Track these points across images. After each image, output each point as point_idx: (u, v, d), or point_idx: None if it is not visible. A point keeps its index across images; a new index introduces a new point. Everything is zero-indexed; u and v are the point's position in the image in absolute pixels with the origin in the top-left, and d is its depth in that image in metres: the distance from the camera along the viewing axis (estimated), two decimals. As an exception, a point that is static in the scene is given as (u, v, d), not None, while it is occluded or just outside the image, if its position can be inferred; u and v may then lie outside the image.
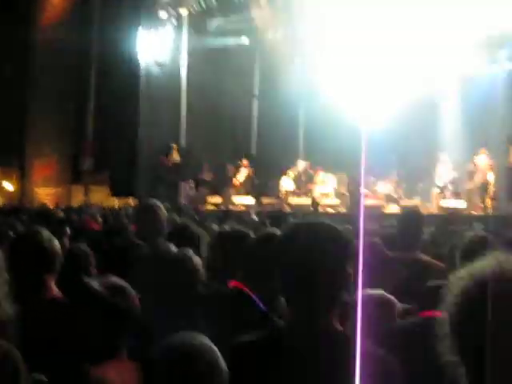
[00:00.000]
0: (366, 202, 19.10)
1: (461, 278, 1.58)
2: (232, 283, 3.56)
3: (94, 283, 2.71)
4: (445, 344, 1.60)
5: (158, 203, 5.48)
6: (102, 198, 20.31)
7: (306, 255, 2.14)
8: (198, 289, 3.47)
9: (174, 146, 21.67)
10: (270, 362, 2.16)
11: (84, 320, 2.67)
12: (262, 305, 3.41)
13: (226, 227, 4.99)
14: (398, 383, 2.13)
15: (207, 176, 22.07)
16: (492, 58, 20.20)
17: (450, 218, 7.69)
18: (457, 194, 19.14)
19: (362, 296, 3.70)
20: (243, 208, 19.02)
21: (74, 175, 21.67)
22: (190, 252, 3.62)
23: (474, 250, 4.66)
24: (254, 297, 3.42)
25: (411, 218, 5.66)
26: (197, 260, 3.56)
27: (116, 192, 20.42)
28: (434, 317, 3.46)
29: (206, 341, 2.09)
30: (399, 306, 3.77)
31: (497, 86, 19.72)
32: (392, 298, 3.80)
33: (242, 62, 23.26)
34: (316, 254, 2.15)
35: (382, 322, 3.55)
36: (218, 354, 2.07)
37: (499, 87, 19.62)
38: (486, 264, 1.56)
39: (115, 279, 2.81)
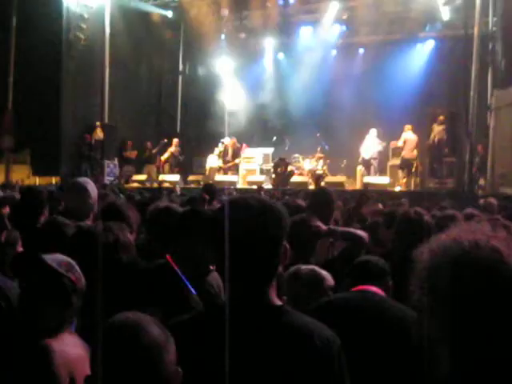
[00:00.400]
0: (292, 178, 19.28)
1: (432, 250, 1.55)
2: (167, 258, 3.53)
3: (47, 257, 2.66)
4: (422, 320, 1.53)
5: (88, 180, 5.36)
6: (22, 176, 19.75)
7: (241, 229, 2.11)
8: (121, 262, 3.46)
9: (98, 123, 21.27)
10: (208, 339, 2.13)
11: (36, 292, 2.63)
12: (186, 280, 3.39)
13: (159, 204, 4.90)
14: (333, 356, 2.12)
15: (131, 154, 21.81)
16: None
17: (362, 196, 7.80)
18: (380, 171, 19.53)
19: (294, 270, 3.76)
20: (168, 185, 18.85)
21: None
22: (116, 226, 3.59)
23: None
24: (179, 272, 3.39)
25: (321, 197, 5.76)
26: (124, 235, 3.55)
27: (37, 171, 19.88)
28: (365, 290, 3.55)
29: (149, 318, 2.06)
30: (331, 280, 3.81)
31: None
32: (323, 272, 3.83)
33: (166, 37, 23.03)
34: (251, 228, 2.12)
35: (313, 296, 3.59)
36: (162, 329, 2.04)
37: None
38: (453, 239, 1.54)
39: (62, 256, 2.75)
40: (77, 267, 2.72)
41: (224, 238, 2.14)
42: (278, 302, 2.21)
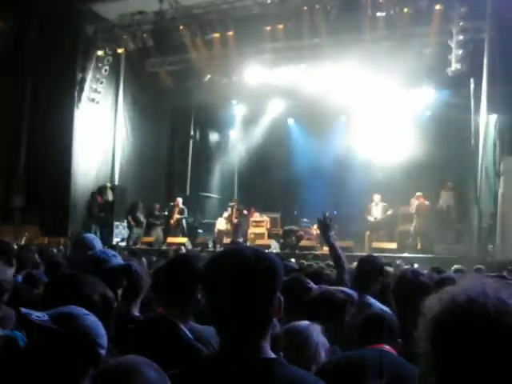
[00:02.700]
0: (301, 243, 19.26)
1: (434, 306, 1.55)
2: (160, 310, 3.54)
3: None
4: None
5: (93, 237, 5.37)
6: (31, 236, 19.73)
7: (233, 278, 2.08)
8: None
9: (108, 184, 21.46)
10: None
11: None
12: (187, 332, 3.39)
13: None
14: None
15: (141, 215, 21.89)
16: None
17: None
18: (389, 236, 19.49)
19: (288, 328, 3.73)
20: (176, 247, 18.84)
21: (4, 214, 21.02)
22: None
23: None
24: (179, 324, 3.40)
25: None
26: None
27: (46, 231, 19.91)
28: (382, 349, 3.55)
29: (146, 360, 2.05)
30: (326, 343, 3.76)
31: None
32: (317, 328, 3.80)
33: (180, 103, 23.35)
34: (243, 278, 2.08)
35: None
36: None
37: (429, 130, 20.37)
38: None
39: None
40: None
41: (215, 288, 2.14)
42: (272, 355, 2.16)
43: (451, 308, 1.46)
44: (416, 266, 11.13)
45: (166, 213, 21.89)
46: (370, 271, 5.56)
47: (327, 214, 5.99)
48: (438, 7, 17.96)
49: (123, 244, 19.82)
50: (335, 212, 20.48)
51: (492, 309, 1.41)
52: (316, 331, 3.65)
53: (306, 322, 3.68)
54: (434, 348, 1.47)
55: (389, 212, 19.32)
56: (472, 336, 1.40)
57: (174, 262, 3.74)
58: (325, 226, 6.08)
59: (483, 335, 1.39)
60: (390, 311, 4.42)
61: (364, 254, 17.53)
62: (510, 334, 1.38)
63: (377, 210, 19.46)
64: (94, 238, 5.29)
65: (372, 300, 5.19)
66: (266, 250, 2.40)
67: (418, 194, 18.95)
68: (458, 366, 1.41)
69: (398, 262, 11.61)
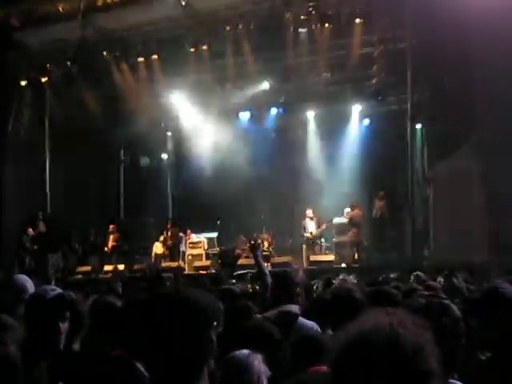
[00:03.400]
0: (239, 261, 19.18)
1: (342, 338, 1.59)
2: (117, 352, 3.48)
3: None
4: None
5: (27, 279, 5.19)
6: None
7: (162, 326, 2.09)
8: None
9: (40, 214, 20.97)
10: None
11: None
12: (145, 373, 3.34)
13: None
14: None
15: (75, 244, 21.48)
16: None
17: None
18: (326, 248, 19.63)
19: (227, 359, 3.68)
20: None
21: None
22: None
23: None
24: (137, 365, 3.34)
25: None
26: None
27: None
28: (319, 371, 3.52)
29: None
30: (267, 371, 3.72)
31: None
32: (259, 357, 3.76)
33: (108, 128, 23.08)
34: (165, 325, 2.10)
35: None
36: None
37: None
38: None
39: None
40: None
41: (147, 334, 2.12)
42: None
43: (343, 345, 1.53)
44: (352, 277, 11.21)
45: (99, 240, 21.60)
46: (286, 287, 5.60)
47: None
48: (357, 21, 18.28)
49: (58, 275, 19.39)
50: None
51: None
52: (258, 359, 3.61)
53: (245, 351, 3.64)
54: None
55: (323, 227, 19.42)
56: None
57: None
58: (252, 246, 6.45)
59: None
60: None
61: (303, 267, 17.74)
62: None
63: (311, 225, 19.53)
64: (27, 280, 5.13)
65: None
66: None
67: (352, 203, 19.15)
68: None
69: (341, 276, 11.63)
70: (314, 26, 18.71)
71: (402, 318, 1.55)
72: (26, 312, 3.99)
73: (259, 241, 6.05)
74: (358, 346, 1.49)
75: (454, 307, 2.81)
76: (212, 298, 2.29)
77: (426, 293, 5.86)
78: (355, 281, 9.63)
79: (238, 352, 3.71)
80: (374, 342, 1.48)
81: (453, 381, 2.78)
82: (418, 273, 10.96)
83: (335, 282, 9.30)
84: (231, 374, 3.51)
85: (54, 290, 4.19)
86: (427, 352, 1.50)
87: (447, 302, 2.85)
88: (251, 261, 18.69)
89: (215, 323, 2.23)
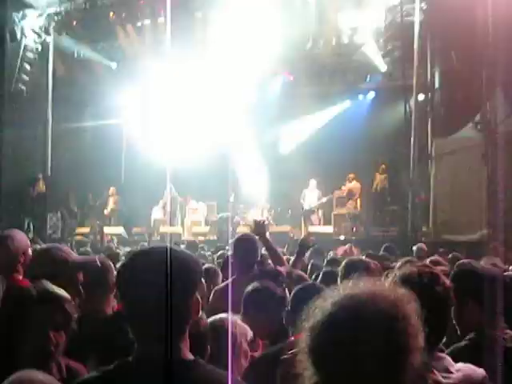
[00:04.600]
0: (237, 229, 19.21)
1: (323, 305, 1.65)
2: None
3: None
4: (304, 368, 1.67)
5: (14, 233, 5.08)
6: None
7: (144, 282, 2.05)
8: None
9: (40, 175, 20.92)
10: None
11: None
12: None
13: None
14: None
15: (74, 206, 21.50)
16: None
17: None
18: (325, 220, 19.63)
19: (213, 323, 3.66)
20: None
21: None
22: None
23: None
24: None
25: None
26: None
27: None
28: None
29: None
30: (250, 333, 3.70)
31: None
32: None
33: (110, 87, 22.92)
34: (154, 281, 2.03)
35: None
36: None
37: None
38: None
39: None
40: None
41: (129, 292, 2.09)
42: (190, 357, 2.14)
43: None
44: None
45: (99, 203, 21.61)
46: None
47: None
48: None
49: (57, 236, 19.44)
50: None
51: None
52: (234, 322, 3.61)
53: (223, 315, 3.64)
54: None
55: (323, 200, 19.40)
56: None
57: None
58: (260, 229, 6.27)
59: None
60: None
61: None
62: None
63: (311, 197, 19.51)
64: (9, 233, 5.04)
65: None
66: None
67: (350, 175, 19.11)
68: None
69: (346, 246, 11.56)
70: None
71: (374, 291, 1.58)
72: None
73: (266, 221, 5.87)
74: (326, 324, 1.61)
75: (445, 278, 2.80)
76: (195, 258, 2.26)
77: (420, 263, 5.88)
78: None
79: (214, 317, 3.68)
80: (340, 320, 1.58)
81: (442, 354, 2.75)
82: (420, 244, 11.19)
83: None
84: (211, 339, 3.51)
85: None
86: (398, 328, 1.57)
87: (437, 271, 2.83)
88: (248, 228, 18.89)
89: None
